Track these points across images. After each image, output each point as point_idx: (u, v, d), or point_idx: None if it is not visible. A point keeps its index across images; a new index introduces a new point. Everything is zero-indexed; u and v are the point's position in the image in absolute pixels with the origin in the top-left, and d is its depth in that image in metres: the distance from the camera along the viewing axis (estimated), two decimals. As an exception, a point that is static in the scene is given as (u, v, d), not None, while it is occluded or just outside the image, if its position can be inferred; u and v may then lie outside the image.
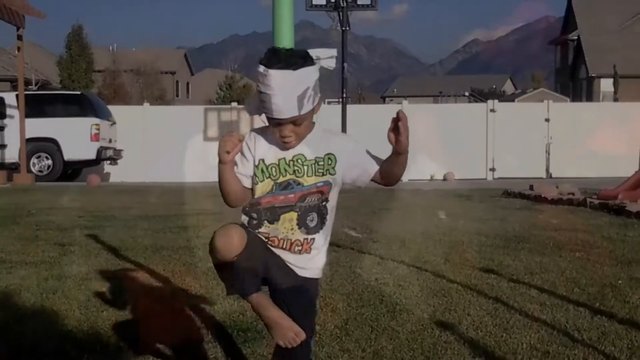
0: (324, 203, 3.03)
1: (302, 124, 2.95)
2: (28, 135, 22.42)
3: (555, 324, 5.25)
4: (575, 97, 60.18)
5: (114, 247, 8.26)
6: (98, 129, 24.34)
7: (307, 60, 2.92)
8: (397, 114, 2.92)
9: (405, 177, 23.50)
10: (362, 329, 5.13)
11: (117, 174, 27.32)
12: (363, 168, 3.09)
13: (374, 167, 3.11)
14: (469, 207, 14.04)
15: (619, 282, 6.57)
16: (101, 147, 24.57)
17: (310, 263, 3.07)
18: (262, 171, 2.99)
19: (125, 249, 8.11)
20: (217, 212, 10.88)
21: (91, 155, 24.34)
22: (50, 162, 24.02)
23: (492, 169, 29.17)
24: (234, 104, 32.07)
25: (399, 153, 2.99)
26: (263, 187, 3.00)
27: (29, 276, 6.68)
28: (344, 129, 24.30)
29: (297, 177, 2.99)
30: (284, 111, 2.88)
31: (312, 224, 3.01)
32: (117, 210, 12.77)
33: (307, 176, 2.99)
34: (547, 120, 29.35)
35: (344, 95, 25.72)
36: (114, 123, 26.51)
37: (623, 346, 4.75)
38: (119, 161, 26.65)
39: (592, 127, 28.16)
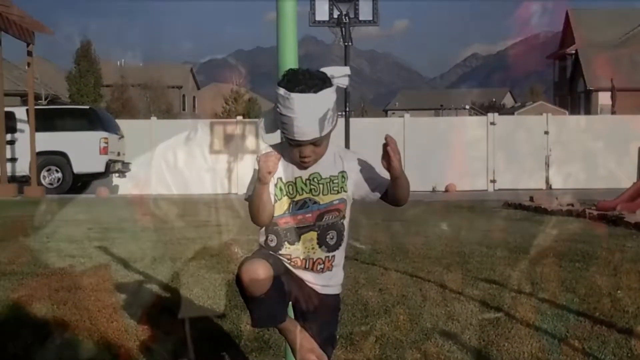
0: (341, 221, 3.02)
1: (321, 144, 2.94)
2: (38, 149, 22.49)
3: (556, 333, 5.25)
4: (574, 110, 60.13)
5: (123, 258, 8.26)
6: (107, 143, 24.39)
7: (327, 82, 2.90)
8: (386, 138, 2.90)
9: (407, 189, 23.30)
10: (367, 339, 5.12)
11: (125, 186, 27.34)
12: (373, 186, 3.06)
13: (383, 186, 3.08)
14: (470, 218, 14.03)
15: (618, 292, 6.56)
16: (110, 160, 24.62)
17: (331, 280, 3.07)
18: (280, 189, 2.97)
19: (134, 261, 8.12)
20: (224, 224, 10.89)
21: (100, 168, 24.39)
22: (60, 175, 24.06)
23: (493, 181, 29.16)
24: (239, 118, 32.12)
25: (395, 177, 2.96)
26: (280, 206, 2.99)
27: (40, 287, 6.68)
28: (347, 142, 24.30)
29: (314, 195, 2.98)
30: (306, 134, 2.86)
31: (332, 242, 3.00)
32: (126, 223, 12.78)
33: (323, 194, 2.98)
34: (546, 132, 29.36)
35: (347, 109, 25.72)
36: (122, 136, 26.56)
37: (623, 355, 4.74)
38: (127, 174, 26.68)
39: (590, 139, 28.21)
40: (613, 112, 41.05)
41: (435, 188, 28.20)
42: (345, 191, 3.02)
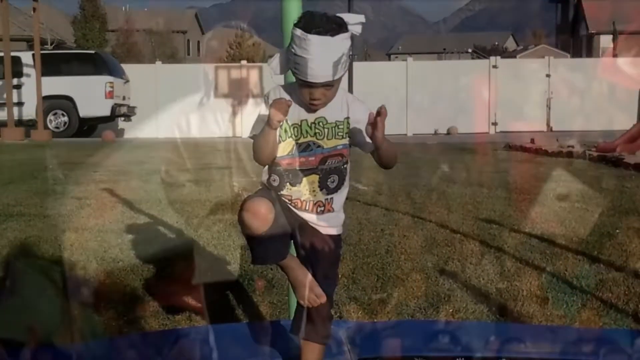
0: (344, 165, 3.01)
1: (332, 88, 2.91)
2: (44, 93, 22.41)
3: (555, 272, 5.26)
4: (576, 54, 59.72)
5: (129, 200, 8.27)
6: (112, 87, 24.33)
7: (343, 27, 2.86)
8: (380, 110, 2.86)
9: (409, 132, 23.41)
10: (369, 277, 5.14)
11: (131, 130, 27.33)
12: (368, 140, 3.03)
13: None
14: (472, 160, 14.02)
15: (617, 231, 6.57)
16: (115, 104, 24.59)
17: (332, 221, 3.06)
18: (285, 131, 2.94)
19: (139, 202, 8.13)
20: (227, 166, 10.89)
21: (106, 112, 24.36)
22: (66, 119, 24.03)
23: (495, 123, 29.09)
24: (244, 62, 31.98)
25: (377, 147, 2.94)
26: (284, 147, 2.95)
27: (47, 229, 6.70)
28: (350, 86, 24.22)
29: (318, 139, 2.95)
30: (320, 76, 2.82)
31: (332, 185, 2.99)
32: (131, 165, 12.77)
33: (327, 139, 2.95)
34: (548, 75, 29.24)
35: (351, 53, 25.56)
36: (128, 81, 26.48)
37: (620, 293, 4.75)
38: (132, 118, 26.65)
39: (591, 82, 28.09)
40: (614, 55, 40.74)
41: (437, 131, 28.14)
42: (349, 136, 3.00)
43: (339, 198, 3.05)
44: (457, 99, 28.25)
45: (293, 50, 2.85)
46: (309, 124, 2.95)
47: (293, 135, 2.95)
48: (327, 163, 2.97)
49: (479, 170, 11.79)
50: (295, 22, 2.87)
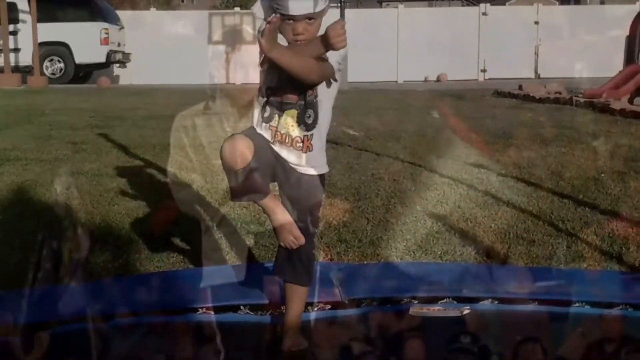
0: (315, 99, 2.99)
1: (314, 23, 2.91)
2: (40, 40, 22.21)
3: (541, 215, 5.28)
4: (564, 1, 59.43)
5: (124, 145, 8.24)
6: (107, 33, 24.17)
7: None
8: (270, 19, 2.76)
9: (400, 79, 23.28)
10: (359, 220, 5.15)
11: (126, 76, 27.18)
12: None
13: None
14: (461, 107, 13.97)
15: (602, 175, 6.57)
16: (110, 50, 24.43)
17: (312, 161, 3.05)
18: None
19: (134, 147, 8.10)
20: (220, 112, 10.84)
21: (101, 58, 24.22)
22: (62, 65, 23.88)
23: (484, 70, 29.00)
24: (237, 9, 31.76)
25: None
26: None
27: (43, 173, 6.68)
28: (342, 32, 24.00)
29: None
30: (301, 7, 2.84)
31: (309, 121, 2.98)
32: (126, 111, 12.72)
33: None
34: (536, 22, 29.09)
35: (342, 0, 25.42)
36: (123, 27, 26.30)
37: (604, 235, 4.78)
38: (127, 64, 26.51)
39: (579, 29, 27.99)
40: (602, 2, 40.55)
41: (427, 78, 28.04)
42: None
43: (317, 135, 3.02)
44: (447, 46, 28.10)
45: None
46: None
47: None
48: (306, 97, 2.96)
49: (468, 116, 11.75)
50: None
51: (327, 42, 2.78)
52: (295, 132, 2.98)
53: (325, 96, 3.01)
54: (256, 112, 3.05)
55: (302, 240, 3.02)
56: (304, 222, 3.05)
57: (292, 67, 2.80)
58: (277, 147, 3.01)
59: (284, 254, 3.11)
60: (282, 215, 3.03)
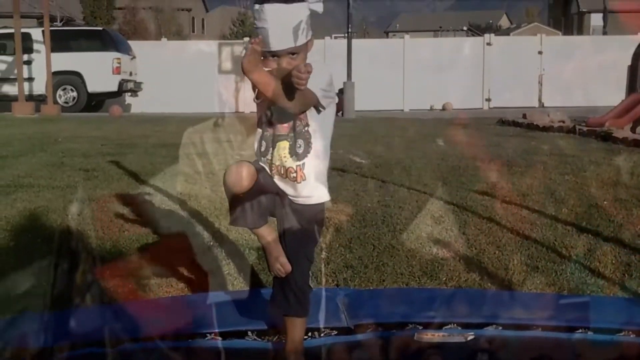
0: (306, 128, 3.00)
1: (297, 57, 2.92)
2: (54, 69, 22.35)
3: (545, 242, 5.26)
4: (567, 31, 59.55)
5: (135, 172, 8.26)
6: (119, 63, 24.33)
7: None
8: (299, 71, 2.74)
9: (406, 107, 23.43)
10: (365, 247, 5.14)
11: (137, 105, 27.30)
12: None
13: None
14: (465, 135, 13.99)
15: (605, 202, 6.55)
16: (122, 79, 24.58)
17: (307, 190, 3.04)
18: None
19: (145, 174, 8.11)
20: (229, 140, 10.87)
21: (113, 87, 24.37)
22: (75, 94, 24.02)
23: (488, 99, 29.10)
24: (247, 39, 31.91)
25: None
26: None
27: (55, 199, 6.69)
28: (349, 62, 24.14)
29: None
30: (282, 42, 2.85)
31: (300, 151, 2.99)
32: (138, 139, 12.75)
33: None
34: (540, 52, 29.21)
35: (349, 30, 25.55)
36: (134, 57, 26.45)
37: (607, 262, 4.75)
38: (139, 93, 26.64)
39: (582, 59, 28.04)
40: (604, 33, 40.60)
41: (432, 106, 28.10)
42: None
43: (310, 164, 3.02)
44: (452, 75, 28.18)
45: (255, 25, 2.90)
46: None
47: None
48: (296, 129, 2.98)
49: (473, 144, 11.76)
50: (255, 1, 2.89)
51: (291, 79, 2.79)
52: (288, 162, 2.99)
53: (318, 125, 3.01)
54: (255, 146, 3.07)
55: (288, 267, 3.02)
56: (296, 252, 3.05)
57: (271, 91, 2.82)
58: (276, 180, 3.02)
59: (278, 286, 3.10)
60: (273, 244, 3.05)
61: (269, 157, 3.01)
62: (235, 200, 3.00)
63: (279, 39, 2.85)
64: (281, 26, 2.84)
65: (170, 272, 4.49)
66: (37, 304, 3.57)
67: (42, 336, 3.22)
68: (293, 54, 2.90)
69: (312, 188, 3.04)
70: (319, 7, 2.95)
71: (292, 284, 3.05)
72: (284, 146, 2.99)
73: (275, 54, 2.89)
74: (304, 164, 3.00)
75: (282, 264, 3.02)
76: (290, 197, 3.03)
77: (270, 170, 3.02)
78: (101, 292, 4.10)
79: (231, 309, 3.59)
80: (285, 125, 2.98)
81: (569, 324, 3.43)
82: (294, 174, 2.99)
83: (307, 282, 3.12)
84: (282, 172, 3.00)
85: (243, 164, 2.95)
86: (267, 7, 2.84)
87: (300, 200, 3.03)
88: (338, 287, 4.23)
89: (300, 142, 2.98)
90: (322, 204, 3.10)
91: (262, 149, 3.03)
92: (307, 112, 2.98)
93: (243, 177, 2.91)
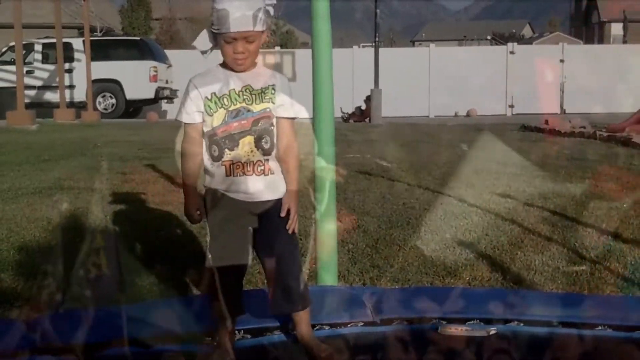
0: (271, 127, 3.01)
1: (253, 42, 2.96)
2: (94, 77, 22.53)
3: (565, 243, 5.24)
4: (588, 40, 59.17)
5: (170, 175, 8.30)
6: (156, 71, 24.47)
7: None
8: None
9: (431, 114, 23.33)
10: (391, 247, 5.14)
11: (173, 111, 27.42)
12: (282, 109, 3.06)
13: (284, 114, 3.06)
14: (489, 140, 13.93)
15: (624, 205, 6.52)
16: (159, 87, 24.72)
17: (276, 184, 3.04)
18: (215, 102, 2.98)
19: (180, 178, 8.13)
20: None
21: (150, 94, 24.51)
22: (114, 100, 24.18)
23: (511, 106, 28.97)
24: (278, 48, 31.98)
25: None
26: (217, 117, 2.98)
27: (94, 201, 6.74)
28: (376, 70, 24.13)
29: (247, 104, 2.98)
30: (240, 24, 2.88)
31: (267, 146, 2.99)
32: (173, 144, 12.78)
33: (256, 104, 2.99)
34: (561, 61, 29.06)
35: (377, 39, 25.53)
36: (170, 65, 26.57)
37: (626, 263, 4.73)
38: (175, 100, 26.76)
39: (603, 67, 27.89)
40: (624, 42, 40.33)
41: (457, 113, 28.02)
42: (273, 102, 3.01)
43: (274, 161, 3.03)
44: (477, 83, 28.09)
45: (215, 8, 2.93)
46: (237, 92, 3.00)
47: (223, 105, 2.98)
48: (259, 125, 2.99)
49: (496, 149, 11.72)
50: None
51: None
52: (256, 156, 2.99)
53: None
54: (205, 155, 3.05)
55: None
56: (288, 247, 3.05)
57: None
58: (233, 185, 3.01)
59: (278, 287, 3.05)
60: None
61: (226, 158, 3.00)
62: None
63: (238, 21, 2.88)
64: (241, 9, 2.87)
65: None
66: (77, 303, 3.59)
67: (83, 333, 3.24)
68: (249, 40, 2.93)
69: (280, 185, 3.05)
70: (271, 10, 2.98)
71: (291, 280, 3.04)
72: (248, 141, 2.98)
73: (231, 38, 2.92)
74: (268, 159, 3.01)
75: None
76: (256, 194, 3.03)
77: (230, 172, 3.00)
78: (137, 290, 4.14)
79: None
80: (245, 121, 2.99)
81: (589, 321, 3.41)
82: (262, 167, 2.99)
83: (301, 272, 3.11)
84: (249, 168, 2.99)
85: (225, 282, 3.02)
86: None
87: (269, 195, 3.03)
88: (365, 286, 4.23)
89: (266, 138, 2.99)
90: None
91: (215, 152, 3.01)
92: (274, 112, 3.02)
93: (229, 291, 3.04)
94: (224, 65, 3.07)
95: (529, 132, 16.07)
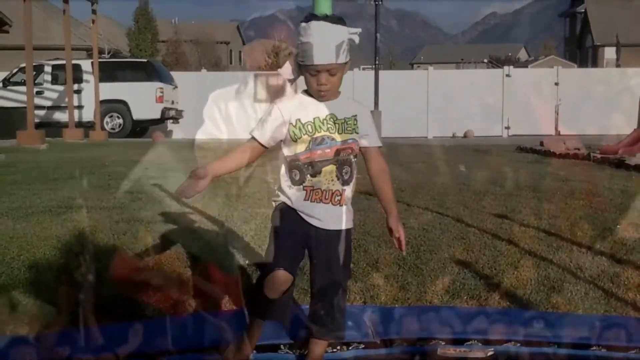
0: (354, 159, 3.02)
1: (336, 74, 2.95)
2: (102, 98, 22.65)
3: (561, 263, 5.23)
4: (582, 64, 59.28)
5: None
6: (162, 92, 24.53)
7: (341, 21, 2.95)
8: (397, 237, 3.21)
9: (429, 135, 23.35)
10: (391, 267, 5.13)
11: (178, 131, 27.47)
12: (369, 139, 3.09)
13: (374, 144, 3.11)
14: (486, 161, 13.95)
15: (618, 226, 6.52)
16: (165, 107, 24.78)
17: (346, 214, 3.05)
18: (300, 129, 2.97)
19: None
20: (262, 164, 10.90)
21: (156, 115, 24.57)
22: (121, 121, 24.24)
23: (507, 127, 28.99)
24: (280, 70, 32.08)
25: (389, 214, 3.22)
26: (301, 144, 2.98)
27: (102, 219, 6.74)
28: (376, 92, 24.23)
29: (331, 133, 2.98)
30: (324, 57, 2.88)
31: (346, 176, 3.00)
32: (179, 163, 12.82)
33: (339, 133, 2.99)
34: (556, 84, 29.12)
35: (377, 62, 25.62)
36: (176, 87, 26.65)
37: (620, 283, 4.72)
38: (180, 120, 26.81)
39: (596, 90, 27.99)
40: (617, 66, 40.39)
41: (455, 134, 28.05)
42: (357, 132, 3.02)
43: (349, 191, 3.05)
44: (474, 105, 28.15)
45: (300, 41, 2.93)
46: (322, 120, 3.00)
47: (308, 132, 2.98)
48: (341, 154, 2.99)
49: (493, 170, 11.73)
50: (301, 21, 2.96)
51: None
52: (335, 186, 3.00)
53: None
54: (286, 176, 3.06)
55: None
56: (343, 279, 3.06)
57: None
58: (308, 209, 3.02)
59: (324, 311, 3.07)
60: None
61: (307, 184, 3.01)
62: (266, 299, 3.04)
63: (322, 53, 2.88)
64: (325, 42, 2.88)
65: (207, 289, 4.51)
66: (84, 319, 3.59)
67: (88, 351, 3.24)
68: (332, 73, 2.93)
69: (349, 213, 3.06)
70: (356, 38, 2.98)
71: (338, 311, 3.06)
72: (330, 170, 2.99)
73: (315, 70, 2.92)
74: (345, 189, 3.02)
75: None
76: (325, 222, 3.02)
77: (308, 197, 3.02)
78: (144, 307, 4.13)
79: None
80: (328, 150, 3.00)
81: (584, 341, 3.41)
82: (339, 197, 3.00)
83: (346, 298, 3.14)
84: (327, 196, 3.00)
85: (277, 273, 2.97)
86: (314, 23, 2.89)
87: (336, 226, 3.03)
88: (365, 305, 4.23)
89: (347, 168, 3.00)
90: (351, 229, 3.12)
91: (297, 177, 3.02)
92: (358, 143, 3.04)
93: (281, 284, 2.97)
94: (308, 92, 3.06)
95: (524, 153, 16.09)
